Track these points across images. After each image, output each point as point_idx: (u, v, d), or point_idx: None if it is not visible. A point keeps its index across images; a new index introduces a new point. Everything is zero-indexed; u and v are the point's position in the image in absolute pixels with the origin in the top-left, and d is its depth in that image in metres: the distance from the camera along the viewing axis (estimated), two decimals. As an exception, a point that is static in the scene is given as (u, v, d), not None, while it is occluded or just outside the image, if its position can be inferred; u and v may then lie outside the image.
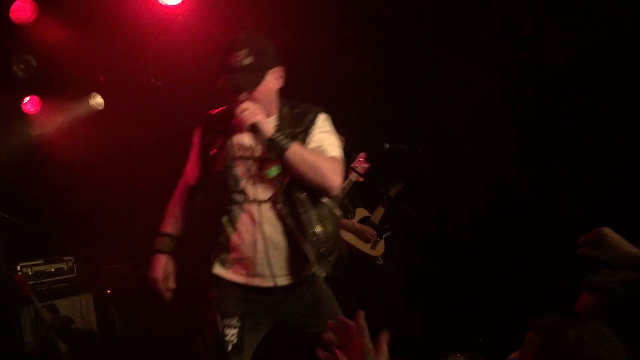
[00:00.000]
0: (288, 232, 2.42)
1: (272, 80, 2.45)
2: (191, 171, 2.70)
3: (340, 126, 4.43)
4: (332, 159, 2.46)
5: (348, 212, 4.73)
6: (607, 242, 1.64)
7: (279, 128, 2.43)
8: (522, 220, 4.38)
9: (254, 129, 2.34)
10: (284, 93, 2.58)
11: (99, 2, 4.58)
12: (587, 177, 4.06)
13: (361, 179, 4.40)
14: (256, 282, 2.46)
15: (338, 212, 2.61)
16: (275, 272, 2.43)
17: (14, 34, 4.64)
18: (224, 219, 2.43)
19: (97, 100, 5.79)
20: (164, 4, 4.51)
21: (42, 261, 4.92)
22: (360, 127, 5.05)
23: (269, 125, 2.38)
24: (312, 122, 2.51)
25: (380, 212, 4.81)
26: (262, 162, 2.44)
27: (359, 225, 4.71)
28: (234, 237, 2.44)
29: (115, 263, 5.41)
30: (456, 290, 4.56)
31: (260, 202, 2.43)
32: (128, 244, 5.30)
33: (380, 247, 4.80)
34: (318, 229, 2.44)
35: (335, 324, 1.36)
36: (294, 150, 2.33)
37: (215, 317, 2.42)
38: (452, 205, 4.85)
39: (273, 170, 2.40)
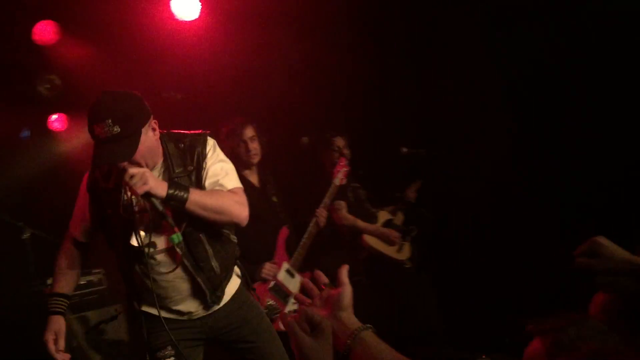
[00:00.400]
0: (189, 274, 2.57)
1: (148, 135, 2.44)
2: (77, 227, 2.79)
3: (336, 132, 4.51)
4: (232, 192, 2.55)
5: (371, 217, 4.67)
6: (603, 251, 1.65)
7: (170, 173, 2.51)
8: (535, 219, 4.35)
9: (147, 195, 2.35)
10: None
11: (119, 20, 4.69)
12: (597, 176, 4.02)
13: (343, 183, 4.35)
14: (177, 316, 2.64)
15: (233, 237, 2.75)
16: (189, 307, 2.62)
17: (38, 54, 4.78)
18: (136, 267, 2.58)
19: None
20: (181, 20, 4.59)
21: (72, 274, 5.04)
22: (375, 131, 5.06)
23: (161, 186, 2.37)
24: (202, 155, 2.57)
25: (401, 214, 4.79)
26: (159, 214, 2.45)
27: (382, 229, 4.64)
28: (148, 282, 2.53)
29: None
30: (478, 292, 4.54)
31: (162, 249, 2.55)
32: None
33: (407, 251, 4.72)
34: (214, 263, 2.59)
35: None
36: (193, 201, 2.39)
37: (147, 354, 2.62)
38: (467, 207, 4.82)
39: (175, 238, 2.41)
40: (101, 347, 4.81)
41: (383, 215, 4.77)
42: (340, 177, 4.23)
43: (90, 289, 5.12)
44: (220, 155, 2.65)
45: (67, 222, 5.64)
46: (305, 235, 3.99)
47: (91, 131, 2.34)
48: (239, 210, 2.52)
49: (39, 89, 5.05)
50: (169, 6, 4.50)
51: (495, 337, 4.22)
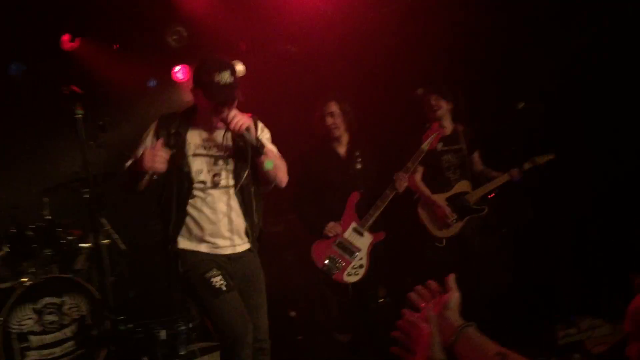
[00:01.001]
0: (238, 215, 2.99)
1: (240, 96, 2.92)
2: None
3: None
4: (282, 158, 3.09)
5: (445, 185, 4.42)
6: None
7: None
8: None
9: (245, 132, 2.84)
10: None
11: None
12: None
13: (433, 147, 4.17)
14: (217, 251, 2.98)
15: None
16: (230, 242, 2.99)
17: (168, 7, 5.07)
18: (190, 203, 2.92)
19: (239, 67, 6.18)
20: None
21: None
22: (491, 85, 4.96)
23: (254, 129, 2.93)
24: (259, 127, 3.11)
25: (484, 190, 4.45)
26: (224, 157, 2.97)
27: (439, 203, 4.36)
28: (198, 217, 2.94)
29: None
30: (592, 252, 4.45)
31: (221, 189, 2.97)
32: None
33: (453, 229, 4.38)
34: (256, 217, 3.06)
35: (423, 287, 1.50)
36: (270, 149, 3.01)
37: (198, 277, 2.89)
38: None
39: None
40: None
41: (461, 186, 4.43)
42: (429, 141, 4.07)
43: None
44: (267, 131, 3.18)
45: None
46: (380, 198, 4.01)
47: (211, 77, 2.80)
48: (285, 175, 3.10)
49: (168, 39, 5.37)
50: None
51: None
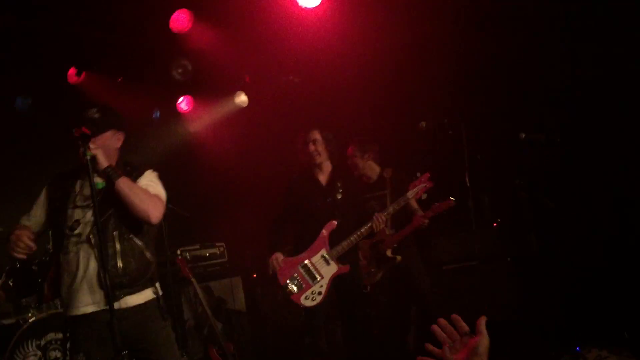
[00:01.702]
0: (95, 262, 2.80)
1: (112, 138, 2.93)
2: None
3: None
4: (156, 195, 2.91)
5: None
6: None
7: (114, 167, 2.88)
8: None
9: (94, 160, 2.75)
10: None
11: (246, 8, 4.94)
12: None
13: (419, 197, 4.30)
14: (86, 310, 2.79)
15: (149, 255, 2.95)
16: (95, 299, 2.78)
17: (173, 42, 5.14)
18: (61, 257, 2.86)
19: (242, 98, 6.26)
20: (303, 7, 4.77)
21: (198, 246, 5.46)
22: (494, 118, 5.00)
23: (105, 160, 2.81)
24: (140, 174, 2.99)
25: (398, 237, 4.53)
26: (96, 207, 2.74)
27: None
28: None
29: (259, 249, 5.81)
30: (597, 283, 4.42)
31: (82, 237, 2.82)
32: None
33: (372, 277, 4.58)
34: (119, 263, 2.80)
35: (448, 322, 1.46)
36: (124, 181, 2.80)
37: None
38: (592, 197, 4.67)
39: (100, 184, 2.83)
40: (223, 316, 5.17)
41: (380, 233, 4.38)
42: (416, 191, 4.18)
43: (213, 261, 5.50)
44: (156, 179, 3.05)
45: (191, 197, 6.14)
46: (355, 233, 4.04)
47: (78, 114, 2.88)
48: (155, 209, 2.86)
49: (173, 73, 5.44)
50: (292, -6, 4.69)
51: (615, 331, 4.15)
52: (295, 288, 3.93)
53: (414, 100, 5.23)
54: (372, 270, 4.60)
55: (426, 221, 4.47)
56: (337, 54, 5.43)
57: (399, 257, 4.56)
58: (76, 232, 2.80)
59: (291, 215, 4.19)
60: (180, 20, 4.96)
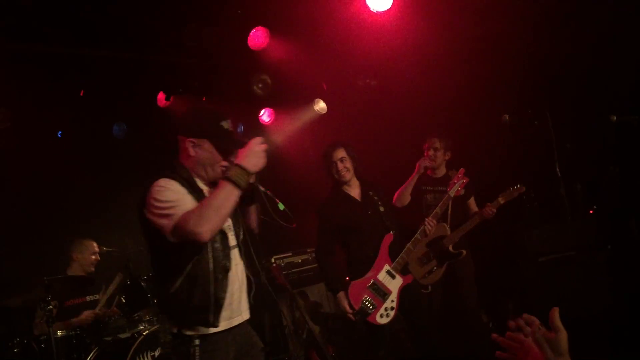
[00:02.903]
0: (241, 271, 2.65)
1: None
2: None
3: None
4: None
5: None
6: None
7: None
8: None
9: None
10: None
11: (318, 18, 5.06)
12: None
13: (460, 194, 4.36)
14: (238, 320, 2.61)
15: None
16: (243, 306, 2.65)
17: (253, 58, 5.34)
18: (221, 279, 2.51)
19: (321, 105, 6.39)
20: (375, 11, 4.82)
21: (290, 254, 5.62)
22: (584, 100, 4.84)
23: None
24: None
25: (460, 232, 4.59)
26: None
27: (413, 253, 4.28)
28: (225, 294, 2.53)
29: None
30: None
31: (233, 245, 2.62)
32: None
33: (435, 275, 4.62)
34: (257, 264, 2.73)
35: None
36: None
37: None
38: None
39: (281, 205, 2.67)
40: (320, 319, 5.30)
41: (438, 230, 4.48)
42: (456, 188, 4.25)
43: (306, 266, 5.65)
44: None
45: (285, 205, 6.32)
46: (412, 242, 4.09)
47: (218, 125, 2.58)
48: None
49: (254, 88, 5.65)
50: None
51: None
52: (369, 309, 3.96)
53: (492, 96, 5.14)
54: (435, 268, 4.63)
55: (494, 210, 4.56)
56: (411, 55, 5.44)
57: (464, 252, 4.59)
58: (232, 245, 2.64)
59: (336, 238, 4.16)
60: (258, 37, 5.15)
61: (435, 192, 4.71)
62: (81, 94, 5.42)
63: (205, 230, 2.28)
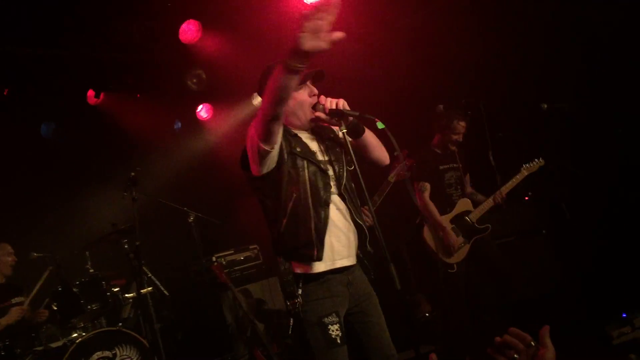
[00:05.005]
0: (347, 216, 2.62)
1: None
2: None
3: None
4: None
5: (447, 205, 4.50)
6: None
7: None
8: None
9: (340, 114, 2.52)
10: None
11: (252, 10, 4.95)
12: None
13: (400, 179, 4.10)
14: (343, 263, 2.57)
15: None
16: (343, 254, 2.58)
17: (186, 52, 5.19)
18: (320, 213, 2.52)
19: (259, 100, 6.28)
20: (309, 3, 4.75)
21: (232, 251, 5.51)
22: (512, 88, 4.92)
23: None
24: None
25: (482, 209, 4.50)
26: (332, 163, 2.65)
27: (446, 230, 4.39)
28: (326, 228, 2.53)
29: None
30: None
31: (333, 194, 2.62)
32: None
33: (461, 254, 4.44)
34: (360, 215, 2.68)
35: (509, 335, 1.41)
36: (368, 130, 2.65)
37: (315, 319, 2.47)
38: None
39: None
40: (264, 317, 5.22)
41: (462, 205, 4.52)
42: (395, 173, 4.03)
43: (248, 264, 5.56)
44: None
45: (221, 203, 6.18)
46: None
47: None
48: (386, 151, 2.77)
49: (188, 83, 5.49)
50: (297, -9, 4.68)
51: None
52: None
53: (429, 85, 5.18)
54: (462, 244, 4.45)
55: (504, 197, 4.49)
56: (348, 45, 5.40)
57: (489, 226, 4.50)
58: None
59: None
60: (189, 31, 5.00)
61: (451, 170, 4.60)
62: (5, 93, 5.15)
63: (264, 115, 2.30)
